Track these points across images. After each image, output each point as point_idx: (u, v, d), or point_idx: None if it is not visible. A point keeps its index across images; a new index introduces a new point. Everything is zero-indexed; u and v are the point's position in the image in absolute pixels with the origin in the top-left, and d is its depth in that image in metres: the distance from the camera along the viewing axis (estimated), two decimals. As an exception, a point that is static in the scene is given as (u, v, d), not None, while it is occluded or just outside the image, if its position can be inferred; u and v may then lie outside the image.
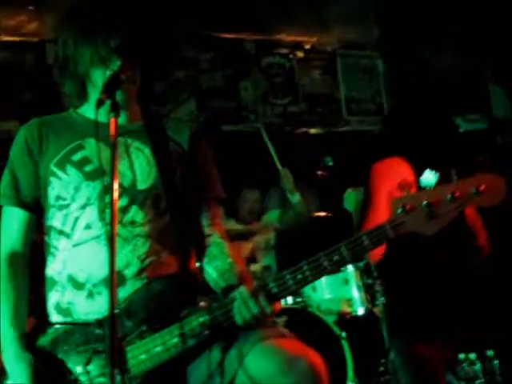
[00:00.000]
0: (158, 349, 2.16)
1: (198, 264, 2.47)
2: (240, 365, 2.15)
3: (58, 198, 2.34)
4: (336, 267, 2.14)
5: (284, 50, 6.99)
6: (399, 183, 2.16)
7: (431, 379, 3.12)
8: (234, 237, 5.53)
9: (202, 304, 2.31)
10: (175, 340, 2.16)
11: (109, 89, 2.10)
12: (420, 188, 2.10)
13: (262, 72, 6.86)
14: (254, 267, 5.57)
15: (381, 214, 3.18)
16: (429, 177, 2.09)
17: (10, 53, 5.96)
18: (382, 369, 5.18)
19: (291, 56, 7.02)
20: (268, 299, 2.12)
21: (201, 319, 2.17)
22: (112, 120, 2.01)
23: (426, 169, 3.08)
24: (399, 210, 2.07)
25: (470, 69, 7.30)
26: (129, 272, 2.26)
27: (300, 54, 7.06)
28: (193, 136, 2.49)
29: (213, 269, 2.40)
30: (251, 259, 5.51)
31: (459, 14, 6.80)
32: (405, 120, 3.56)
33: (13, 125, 5.31)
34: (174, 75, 6.35)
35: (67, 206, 2.33)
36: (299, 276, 2.12)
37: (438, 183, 2.08)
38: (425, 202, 2.04)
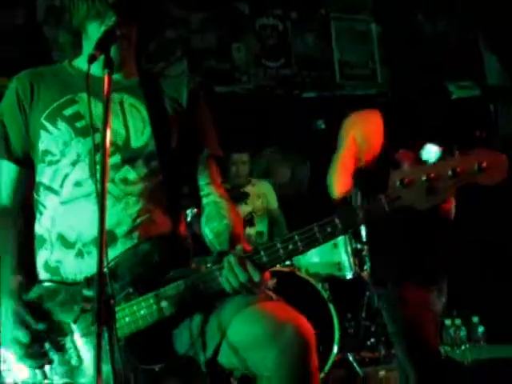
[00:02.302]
0: (143, 312, 2.12)
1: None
2: (223, 335, 2.11)
3: (47, 152, 2.29)
4: (328, 239, 2.07)
5: (278, 12, 6.90)
6: (397, 156, 2.10)
7: (419, 325, 3.11)
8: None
9: (194, 266, 2.29)
10: (160, 304, 2.12)
11: (102, 44, 2.04)
12: (420, 161, 2.03)
13: (255, 33, 6.78)
14: (250, 230, 5.58)
15: (346, 158, 3.22)
16: (430, 150, 2.01)
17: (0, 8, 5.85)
18: (369, 331, 5.24)
19: (285, 18, 6.93)
20: (257, 268, 2.06)
21: (188, 283, 2.12)
22: (106, 77, 1.95)
23: (422, 136, 3.08)
24: (397, 183, 1.98)
25: (464, 35, 7.25)
26: (120, 231, 2.22)
27: (294, 16, 6.97)
28: (191, 92, 2.43)
29: (209, 230, 2.36)
30: (248, 222, 5.51)
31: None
32: (399, 87, 3.55)
33: (0, 80, 5.24)
34: (165, 35, 6.26)
35: (56, 161, 2.28)
36: (290, 246, 2.05)
37: (440, 158, 2.01)
38: (424, 177, 1.96)
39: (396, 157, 2.05)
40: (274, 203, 6.05)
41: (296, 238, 2.06)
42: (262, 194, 6.02)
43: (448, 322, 5.32)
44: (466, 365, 4.98)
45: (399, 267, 3.16)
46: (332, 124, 6.57)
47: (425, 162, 2.00)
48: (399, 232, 3.10)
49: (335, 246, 5.09)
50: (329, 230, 2.04)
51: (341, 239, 5.10)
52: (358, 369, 4.91)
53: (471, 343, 5.41)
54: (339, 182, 3.18)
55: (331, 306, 4.72)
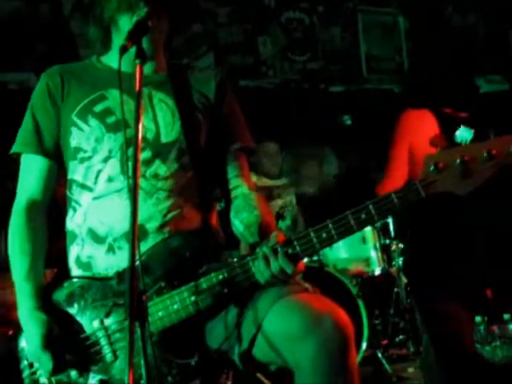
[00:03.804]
0: (176, 306, 2.10)
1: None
2: (259, 327, 2.06)
3: (79, 149, 2.28)
4: (362, 226, 2.01)
5: (304, 5, 6.84)
6: (431, 139, 2.03)
7: (453, 337, 3.00)
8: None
9: (226, 259, 2.25)
10: (193, 298, 2.09)
11: (134, 35, 2.00)
12: (454, 144, 1.96)
13: (281, 27, 6.73)
14: (281, 224, 5.54)
15: (399, 168, 3.10)
16: (464, 133, 1.94)
17: (25, 3, 5.86)
18: (397, 328, 5.19)
19: (311, 11, 6.88)
20: (290, 258, 2.01)
21: (220, 276, 2.08)
22: (137, 67, 1.91)
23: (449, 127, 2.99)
24: (431, 168, 1.91)
25: (492, 29, 7.16)
26: (151, 226, 2.20)
27: (320, 10, 6.92)
28: (219, 85, 2.41)
29: (239, 222, 2.32)
30: (279, 216, 5.47)
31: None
32: (425, 80, 3.45)
33: (27, 76, 5.25)
34: (192, 28, 6.25)
35: (89, 158, 2.27)
36: (324, 235, 1.99)
37: (474, 140, 1.93)
38: (458, 160, 1.88)
39: (430, 141, 1.97)
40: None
41: (330, 226, 2.00)
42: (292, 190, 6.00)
43: (478, 319, 5.24)
44: (497, 362, 4.91)
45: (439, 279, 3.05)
46: (358, 118, 6.54)
47: (459, 145, 1.93)
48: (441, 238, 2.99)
49: (364, 241, 5.04)
50: (363, 216, 1.98)
51: (370, 234, 5.05)
52: (386, 366, 4.86)
53: (501, 340, 5.33)
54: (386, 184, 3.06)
55: (360, 302, 4.66)
